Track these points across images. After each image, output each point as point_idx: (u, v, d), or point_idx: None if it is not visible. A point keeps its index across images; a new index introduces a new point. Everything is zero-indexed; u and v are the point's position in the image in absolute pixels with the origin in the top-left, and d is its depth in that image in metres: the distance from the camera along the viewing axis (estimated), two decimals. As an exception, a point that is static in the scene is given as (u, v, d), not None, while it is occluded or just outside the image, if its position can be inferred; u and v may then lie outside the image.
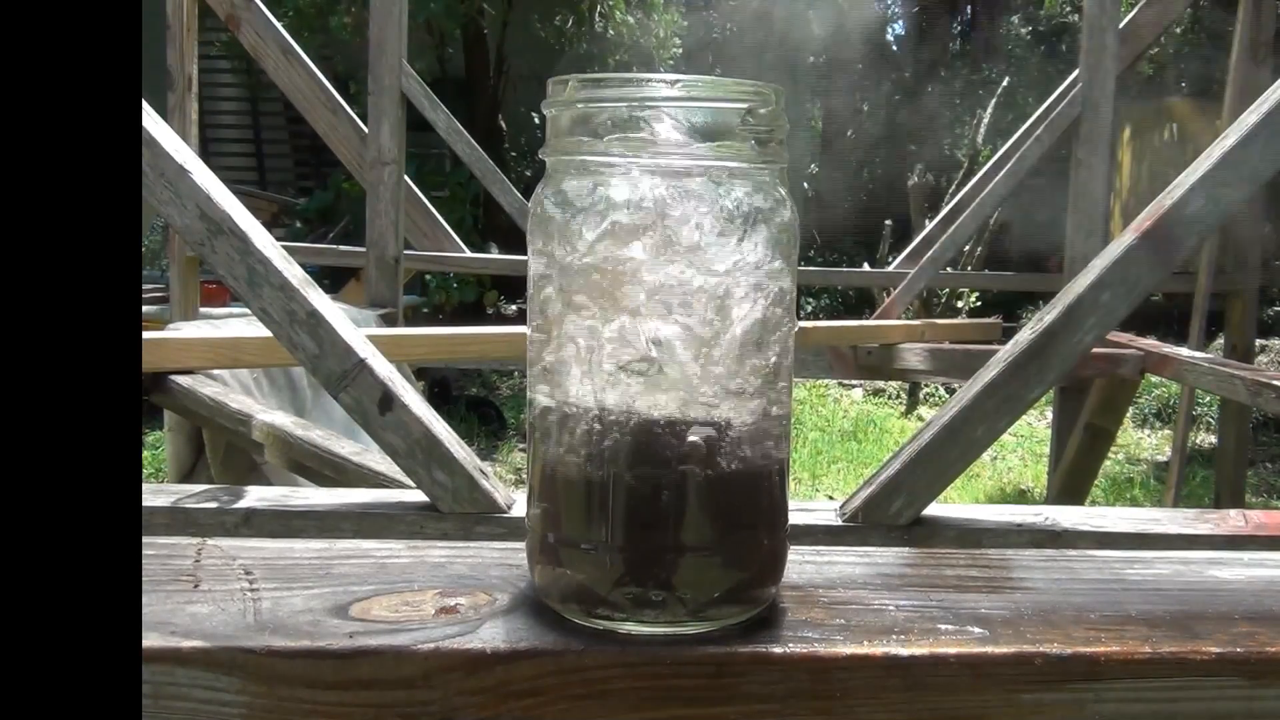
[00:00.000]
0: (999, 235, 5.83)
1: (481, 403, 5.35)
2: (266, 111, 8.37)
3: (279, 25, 2.62)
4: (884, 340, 2.40)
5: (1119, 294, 0.70)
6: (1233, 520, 0.74)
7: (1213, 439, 4.58)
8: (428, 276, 6.06)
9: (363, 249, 2.57)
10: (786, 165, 0.47)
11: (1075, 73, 2.56)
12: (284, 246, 0.74)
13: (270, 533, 0.73)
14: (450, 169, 6.64)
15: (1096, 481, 3.39)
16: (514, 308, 6.97)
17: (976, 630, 0.46)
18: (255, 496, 0.77)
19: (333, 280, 4.86)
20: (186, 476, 1.67)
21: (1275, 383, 1.66)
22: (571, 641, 0.44)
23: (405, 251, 2.57)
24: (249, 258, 0.70)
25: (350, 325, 0.73)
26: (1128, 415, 4.47)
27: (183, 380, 1.49)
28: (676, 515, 0.44)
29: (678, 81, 0.43)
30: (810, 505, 0.74)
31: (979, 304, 6.36)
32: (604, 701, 0.43)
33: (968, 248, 5.27)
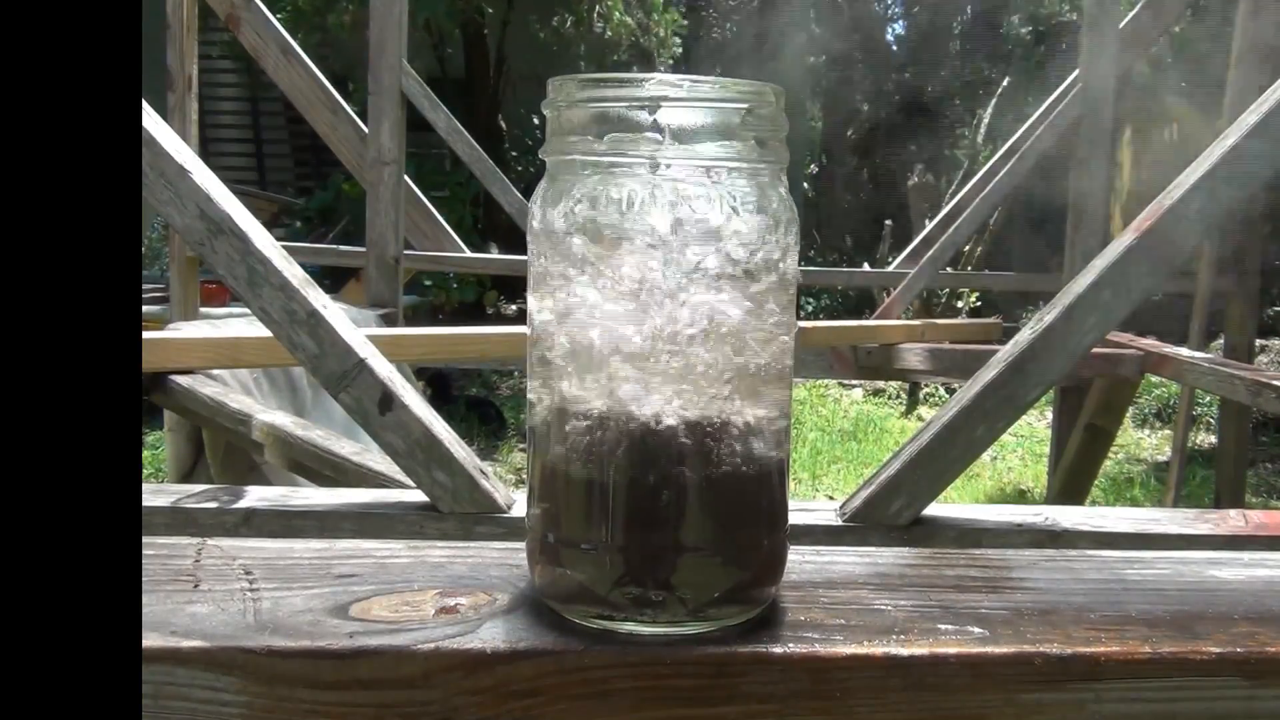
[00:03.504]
0: (999, 235, 5.83)
1: (481, 403, 5.35)
2: (266, 111, 8.37)
3: (279, 25, 2.62)
4: (884, 340, 2.40)
5: (1119, 294, 0.70)
6: (1233, 520, 0.74)
7: (1213, 439, 4.58)
8: (427, 281, 6.06)
9: (363, 249, 2.57)
10: (787, 164, 0.47)
11: (1075, 73, 2.56)
12: (284, 246, 0.74)
13: (270, 533, 0.73)
14: (450, 169, 6.64)
15: (1096, 481, 3.39)
16: (514, 308, 6.97)
17: (976, 630, 0.46)
18: (255, 496, 0.76)
19: (333, 280, 4.87)
20: (186, 476, 1.67)
21: (1275, 383, 1.66)
22: (571, 641, 0.44)
23: (405, 251, 2.57)
24: (249, 258, 0.70)
25: (350, 325, 0.73)
26: (1128, 415, 4.47)
27: (183, 380, 1.49)
28: (676, 515, 0.44)
29: (678, 81, 0.43)
30: (810, 505, 0.74)
31: (979, 304, 6.36)
32: (604, 701, 0.43)
33: (968, 248, 5.27)
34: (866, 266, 6.06)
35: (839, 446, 5.10)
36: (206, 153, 7.08)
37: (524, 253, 0.49)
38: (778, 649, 0.44)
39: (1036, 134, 2.55)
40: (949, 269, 3.28)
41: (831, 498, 4.07)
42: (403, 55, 2.46)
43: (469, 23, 6.76)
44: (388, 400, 0.71)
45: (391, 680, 0.42)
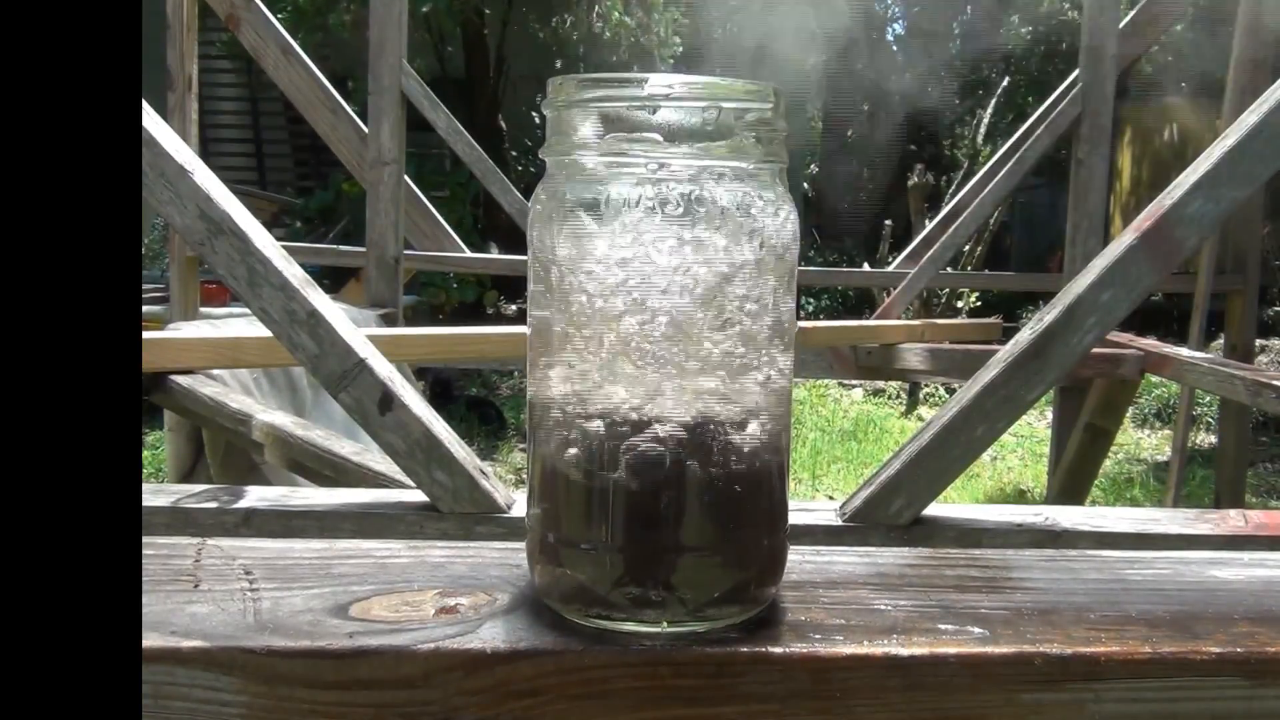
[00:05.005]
0: (999, 235, 5.84)
1: (481, 403, 5.35)
2: (266, 111, 8.37)
3: (279, 25, 2.62)
4: (884, 340, 2.40)
5: (1119, 294, 0.70)
6: (1233, 520, 0.74)
7: (1213, 439, 4.58)
8: (428, 279, 6.06)
9: (363, 249, 2.57)
10: (786, 164, 0.47)
11: (1075, 73, 2.56)
12: (284, 246, 0.74)
13: (270, 533, 0.73)
14: (450, 169, 6.64)
15: (1096, 481, 3.39)
16: (514, 308, 6.97)
17: (976, 630, 0.46)
18: (255, 496, 0.76)
19: (333, 280, 4.87)
20: (186, 476, 1.67)
21: (1275, 383, 1.66)
22: (571, 641, 0.44)
23: (405, 251, 2.57)
24: (249, 258, 0.70)
25: (350, 325, 0.73)
26: (1128, 415, 4.47)
27: (183, 380, 1.49)
28: (676, 515, 0.44)
29: (677, 81, 0.43)
30: (810, 505, 0.74)
31: (979, 304, 6.36)
32: (604, 701, 0.43)
33: (968, 248, 5.27)
34: (866, 266, 6.07)
35: (839, 446, 5.10)
36: (206, 153, 7.08)
37: (524, 253, 0.49)
38: (778, 649, 0.44)
39: (1036, 134, 2.55)
40: (949, 269, 3.28)
41: (831, 498, 4.07)
42: (403, 55, 2.46)
43: (469, 23, 6.76)
44: (388, 400, 0.71)
45: (391, 680, 0.42)
